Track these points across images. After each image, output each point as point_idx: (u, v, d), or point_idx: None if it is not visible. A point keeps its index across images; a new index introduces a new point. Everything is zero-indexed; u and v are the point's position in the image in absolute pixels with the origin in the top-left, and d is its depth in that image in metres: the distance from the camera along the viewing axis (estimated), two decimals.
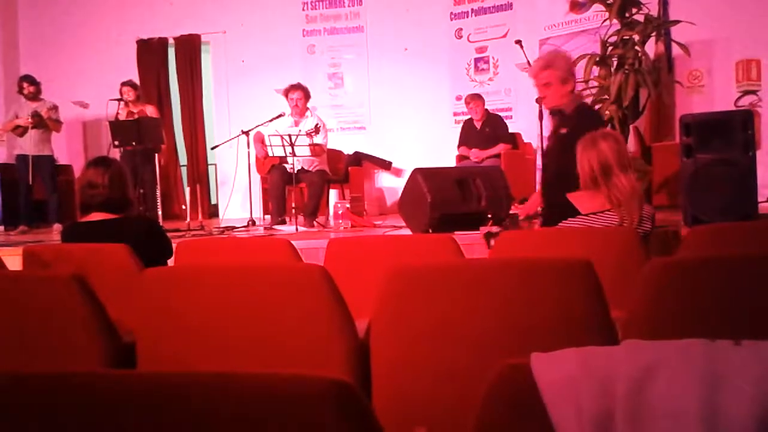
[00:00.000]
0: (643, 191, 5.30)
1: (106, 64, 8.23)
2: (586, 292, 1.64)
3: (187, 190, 8.17)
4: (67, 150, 8.13)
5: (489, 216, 3.91)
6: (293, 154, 5.78)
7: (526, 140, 7.24)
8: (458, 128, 7.37)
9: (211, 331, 1.77)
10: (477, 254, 3.43)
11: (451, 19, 8.05)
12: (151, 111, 6.90)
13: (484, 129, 6.97)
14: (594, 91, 5.70)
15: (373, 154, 8.03)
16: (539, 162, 5.79)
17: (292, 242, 2.78)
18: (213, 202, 8.67)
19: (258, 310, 1.76)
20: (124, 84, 6.87)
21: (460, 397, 1.50)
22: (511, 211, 3.90)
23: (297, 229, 5.64)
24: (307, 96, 6.17)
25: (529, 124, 6.57)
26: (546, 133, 5.74)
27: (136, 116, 6.67)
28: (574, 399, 0.88)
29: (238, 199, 6.91)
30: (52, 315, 1.94)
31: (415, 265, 1.79)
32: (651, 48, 5.80)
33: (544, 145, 3.85)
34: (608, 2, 5.54)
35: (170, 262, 2.99)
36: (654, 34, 5.66)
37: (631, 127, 5.65)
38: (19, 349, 1.97)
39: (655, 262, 1.67)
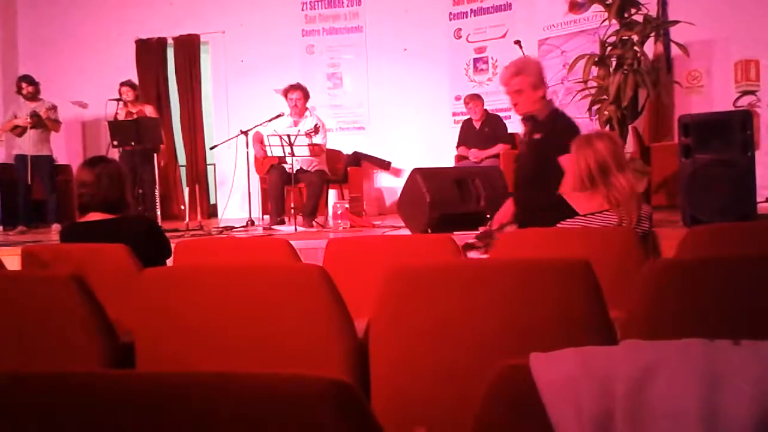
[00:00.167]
0: (641, 191, 5.32)
1: (105, 64, 8.23)
2: (585, 292, 1.64)
3: (186, 190, 8.18)
4: (66, 150, 8.13)
5: (488, 216, 3.91)
6: (292, 154, 5.78)
7: None
8: (457, 128, 7.37)
9: (210, 331, 1.77)
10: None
11: (450, 20, 8.05)
12: (149, 111, 6.90)
13: (483, 129, 6.98)
14: (593, 91, 5.70)
15: (372, 154, 8.03)
16: None
17: (291, 242, 2.78)
18: (212, 202, 8.67)
19: (257, 311, 1.76)
20: (123, 84, 6.87)
21: (459, 398, 1.50)
22: (482, 228, 3.89)
23: (296, 229, 5.64)
24: (306, 96, 6.17)
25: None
26: None
27: (135, 116, 6.67)
28: (574, 399, 0.88)
29: (237, 199, 6.90)
30: (51, 315, 1.93)
31: (414, 265, 1.79)
32: (650, 48, 5.81)
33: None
34: (607, 2, 5.54)
35: (169, 262, 2.99)
36: (653, 34, 5.66)
37: (630, 127, 5.65)
38: (18, 349, 1.96)
39: (654, 263, 1.67)
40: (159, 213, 6.36)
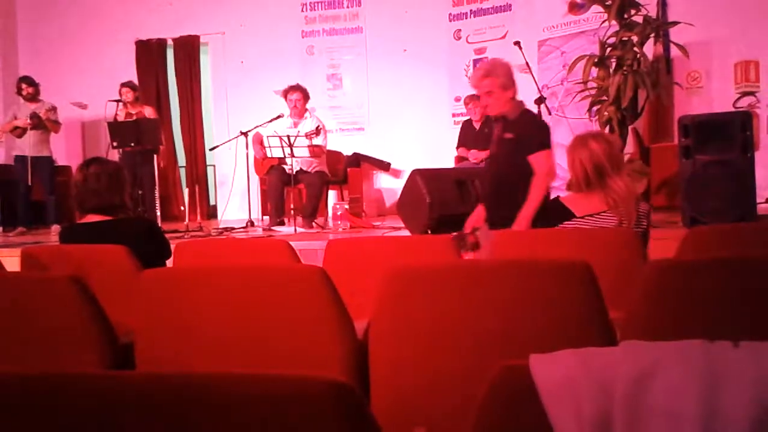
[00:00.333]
0: (641, 192, 5.32)
1: (105, 65, 8.23)
2: (585, 293, 1.64)
3: (186, 191, 8.18)
4: (65, 151, 8.13)
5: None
6: (292, 155, 5.79)
7: None
8: (457, 129, 7.37)
9: (210, 332, 1.77)
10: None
11: (450, 21, 8.05)
12: (149, 112, 6.89)
13: (483, 130, 6.97)
14: (593, 92, 5.70)
15: (372, 155, 8.03)
16: None
17: (291, 243, 2.78)
18: (212, 203, 8.68)
19: (257, 312, 1.76)
20: (123, 85, 6.87)
21: (459, 398, 1.50)
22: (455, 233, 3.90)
23: (296, 230, 5.64)
24: (306, 97, 6.17)
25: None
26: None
27: (134, 117, 6.67)
28: (573, 400, 0.88)
29: (236, 200, 6.90)
30: (51, 316, 1.93)
31: (414, 266, 1.79)
32: (650, 49, 5.81)
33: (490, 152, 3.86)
34: (607, 3, 5.54)
35: (169, 263, 2.99)
36: (653, 35, 5.66)
37: (629, 128, 5.65)
38: (18, 350, 1.96)
39: (654, 263, 1.67)
40: (159, 214, 6.37)
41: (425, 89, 8.05)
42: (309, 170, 6.13)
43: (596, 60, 5.60)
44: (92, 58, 8.39)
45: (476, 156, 6.78)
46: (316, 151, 5.98)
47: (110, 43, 8.44)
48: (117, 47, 8.41)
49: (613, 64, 5.51)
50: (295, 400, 0.84)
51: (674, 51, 6.01)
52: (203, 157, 8.55)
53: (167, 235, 3.29)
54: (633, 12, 5.48)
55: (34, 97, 6.85)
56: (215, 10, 8.37)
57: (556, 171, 3.61)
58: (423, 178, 4.71)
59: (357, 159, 7.86)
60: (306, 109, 6.20)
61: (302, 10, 8.36)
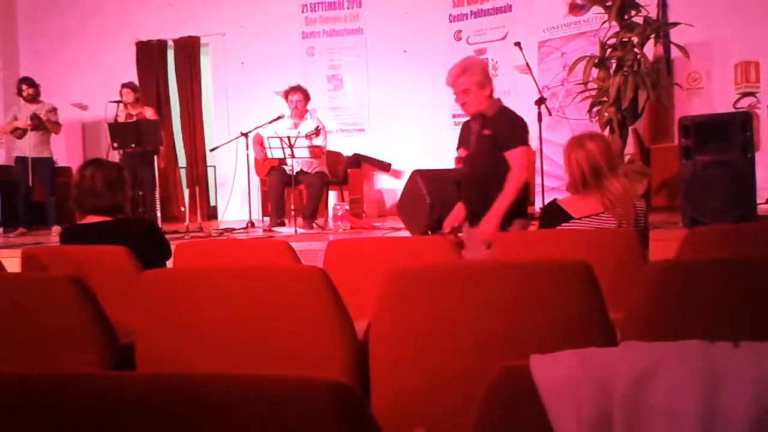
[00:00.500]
0: (641, 193, 5.32)
1: (105, 66, 8.24)
2: (585, 294, 1.64)
3: (186, 192, 8.18)
4: (66, 152, 8.13)
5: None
6: (292, 156, 5.79)
7: None
8: (457, 130, 7.31)
9: (210, 332, 1.77)
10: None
11: (450, 21, 8.05)
12: (149, 113, 6.90)
13: None
14: (593, 93, 5.70)
15: (373, 156, 8.03)
16: (538, 164, 5.80)
17: (291, 244, 2.78)
18: (212, 204, 8.68)
19: (257, 312, 1.76)
20: (124, 86, 6.88)
21: (459, 399, 1.50)
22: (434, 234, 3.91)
23: (296, 231, 5.64)
24: (306, 98, 6.17)
25: (529, 126, 6.56)
26: (544, 135, 5.76)
27: (135, 118, 6.67)
28: (574, 400, 0.88)
29: (237, 200, 6.91)
30: (51, 317, 1.94)
31: (414, 266, 1.79)
32: (650, 50, 5.81)
33: (471, 150, 3.82)
34: (607, 4, 5.54)
35: (169, 263, 2.99)
36: (653, 36, 5.66)
37: (630, 128, 5.65)
38: (19, 350, 1.97)
39: (654, 264, 1.67)
40: (159, 215, 6.37)
41: (425, 90, 8.04)
42: (309, 171, 6.13)
43: (596, 61, 5.60)
44: (92, 59, 8.39)
45: None
46: (316, 151, 5.98)
47: (110, 44, 8.44)
48: (117, 48, 8.41)
49: (614, 65, 5.52)
50: (295, 400, 0.84)
51: (674, 52, 6.01)
52: (204, 157, 8.55)
53: (167, 236, 3.30)
54: (633, 13, 5.49)
55: (34, 98, 6.86)
56: (216, 11, 8.37)
57: (533, 167, 3.58)
58: (423, 178, 4.71)
59: (357, 160, 7.86)
60: (306, 110, 6.21)
61: (303, 11, 8.36)
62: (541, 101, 5.53)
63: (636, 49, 5.43)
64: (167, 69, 8.62)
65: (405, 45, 8.13)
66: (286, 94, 6.23)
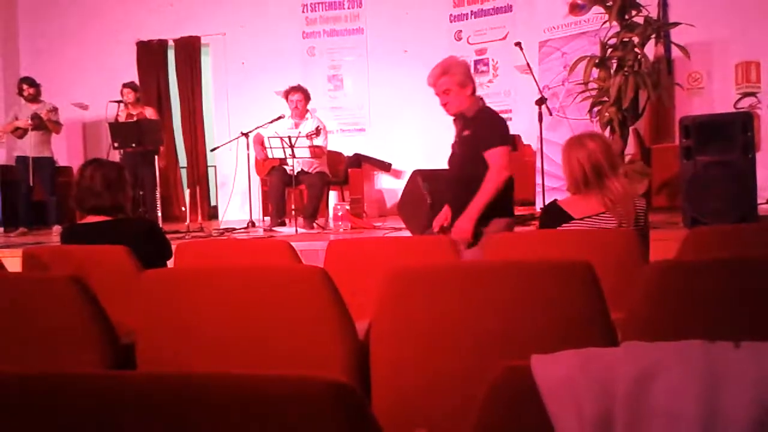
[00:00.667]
0: (642, 193, 5.32)
1: (106, 66, 8.24)
2: (586, 294, 1.64)
3: (187, 191, 8.18)
4: (66, 152, 8.14)
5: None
6: (293, 156, 5.79)
7: (525, 142, 7.24)
8: None
9: (211, 332, 1.77)
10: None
11: (451, 21, 8.05)
12: (150, 113, 6.90)
13: None
14: (594, 93, 5.70)
15: (373, 156, 8.03)
16: (538, 164, 5.80)
17: (292, 244, 2.78)
18: (212, 203, 8.68)
19: (258, 312, 1.76)
20: (125, 85, 6.88)
21: (460, 399, 1.50)
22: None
23: (297, 231, 5.64)
24: (307, 98, 6.17)
25: (529, 126, 6.57)
26: (543, 135, 5.75)
27: (135, 118, 6.68)
28: (574, 400, 0.88)
29: (237, 200, 6.91)
30: (52, 316, 1.94)
31: (414, 266, 1.79)
32: (650, 50, 5.80)
33: (456, 150, 3.81)
34: (608, 4, 5.54)
35: (170, 263, 2.99)
36: (653, 36, 5.66)
37: (630, 129, 5.64)
38: (19, 350, 1.97)
39: (655, 264, 1.67)
40: (160, 214, 6.38)
41: (426, 90, 7.98)
42: (310, 171, 6.13)
43: (597, 61, 5.60)
44: (93, 59, 8.39)
45: None
46: (316, 151, 5.98)
47: (111, 44, 8.45)
48: (118, 48, 8.42)
49: (614, 65, 5.51)
50: (295, 400, 0.84)
51: (675, 52, 6.01)
52: (204, 157, 8.56)
53: (168, 236, 3.29)
54: (634, 13, 5.48)
55: (35, 98, 6.86)
56: (216, 11, 8.37)
57: (510, 167, 3.54)
58: (424, 178, 4.71)
59: (358, 160, 7.86)
60: (307, 110, 6.21)
61: (303, 11, 8.36)
62: (541, 101, 5.53)
63: (637, 49, 5.43)
64: (168, 69, 8.62)
65: (405, 45, 8.13)
66: (287, 94, 6.23)
